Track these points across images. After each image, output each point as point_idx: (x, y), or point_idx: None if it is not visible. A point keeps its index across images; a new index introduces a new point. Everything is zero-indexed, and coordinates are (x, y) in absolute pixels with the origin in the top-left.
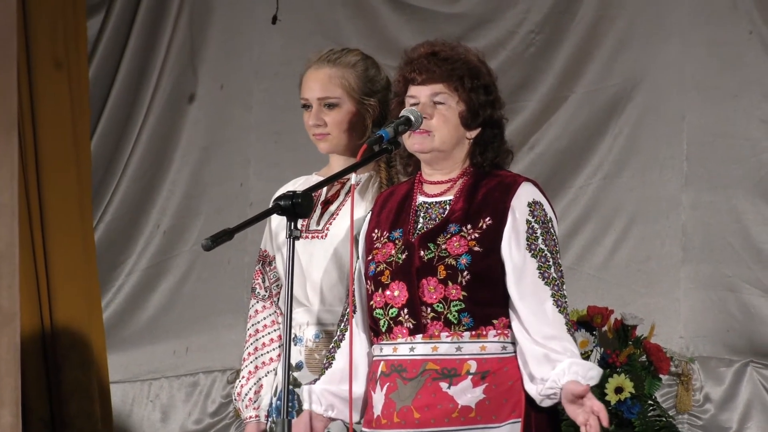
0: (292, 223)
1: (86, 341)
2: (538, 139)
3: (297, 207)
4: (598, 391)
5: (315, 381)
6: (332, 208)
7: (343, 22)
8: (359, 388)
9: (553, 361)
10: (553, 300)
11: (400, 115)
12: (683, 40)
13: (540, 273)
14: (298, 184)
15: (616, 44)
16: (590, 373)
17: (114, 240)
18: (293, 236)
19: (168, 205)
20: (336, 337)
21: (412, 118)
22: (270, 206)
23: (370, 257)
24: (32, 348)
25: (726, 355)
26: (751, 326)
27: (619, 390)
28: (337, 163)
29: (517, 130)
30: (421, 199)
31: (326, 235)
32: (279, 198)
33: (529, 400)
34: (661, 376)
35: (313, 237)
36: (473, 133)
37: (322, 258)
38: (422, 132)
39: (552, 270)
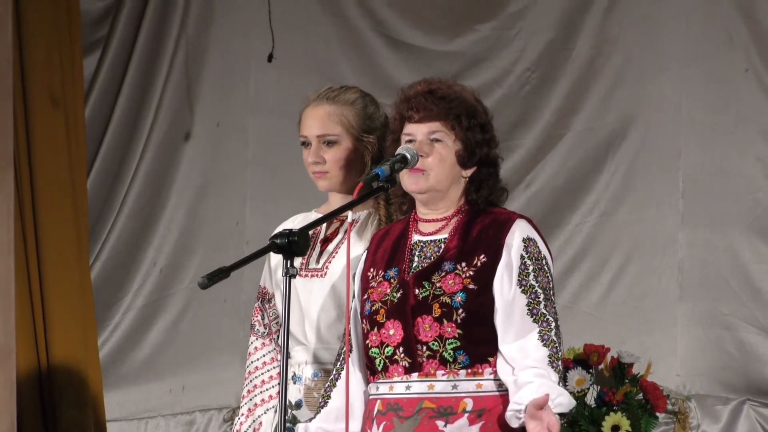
0: (289, 262)
1: (83, 379)
2: (535, 177)
3: (293, 245)
4: (595, 429)
5: (311, 420)
6: (331, 246)
7: (339, 59)
8: (355, 426)
9: (524, 383)
10: (539, 335)
11: (396, 152)
12: (679, 77)
13: (529, 309)
14: (297, 221)
15: (612, 81)
16: (559, 399)
17: (110, 278)
18: (289, 274)
19: (164, 243)
20: (332, 376)
21: (408, 156)
22: (267, 244)
23: (365, 296)
24: (28, 385)
25: (723, 393)
26: (747, 364)
27: (615, 428)
28: (336, 201)
29: (513, 168)
30: (416, 237)
31: (325, 274)
32: (275, 236)
33: None
34: (657, 414)
35: (312, 275)
36: (469, 172)
37: (320, 296)
38: (417, 171)
39: (542, 306)
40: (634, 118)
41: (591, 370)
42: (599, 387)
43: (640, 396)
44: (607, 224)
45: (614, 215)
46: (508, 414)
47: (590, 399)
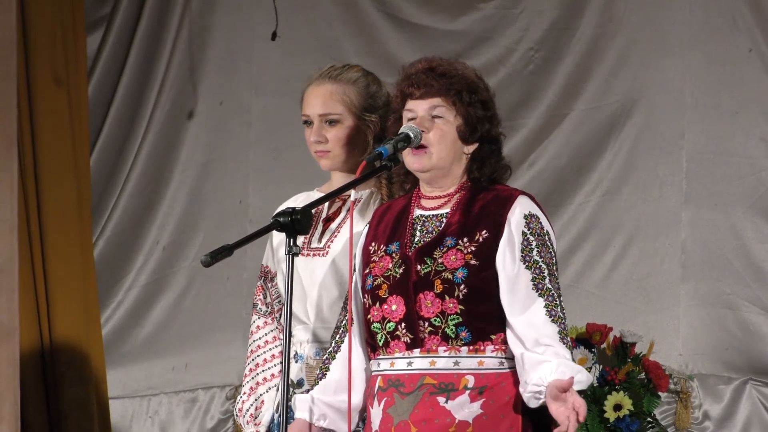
0: (292, 240)
1: (85, 357)
2: (538, 157)
3: (296, 224)
4: (597, 408)
5: (307, 391)
6: (333, 225)
7: (343, 38)
8: (355, 399)
9: (541, 362)
10: (546, 310)
11: (399, 131)
12: (683, 58)
13: (534, 284)
14: (299, 200)
15: (615, 61)
16: (578, 376)
17: (113, 256)
18: (292, 253)
19: (167, 221)
20: (331, 348)
21: (412, 135)
22: (269, 223)
23: (367, 271)
24: (31, 364)
25: (725, 372)
26: (750, 344)
27: (617, 407)
28: (339, 181)
29: (516, 147)
30: (418, 212)
31: (327, 253)
32: (278, 214)
33: (527, 415)
34: (660, 393)
35: (314, 255)
36: (471, 148)
37: (322, 275)
38: (419, 150)
39: (546, 281)
40: (638, 98)
41: (593, 350)
42: (601, 366)
43: (643, 375)
44: (610, 204)
45: (617, 195)
46: (527, 395)
47: (592, 378)
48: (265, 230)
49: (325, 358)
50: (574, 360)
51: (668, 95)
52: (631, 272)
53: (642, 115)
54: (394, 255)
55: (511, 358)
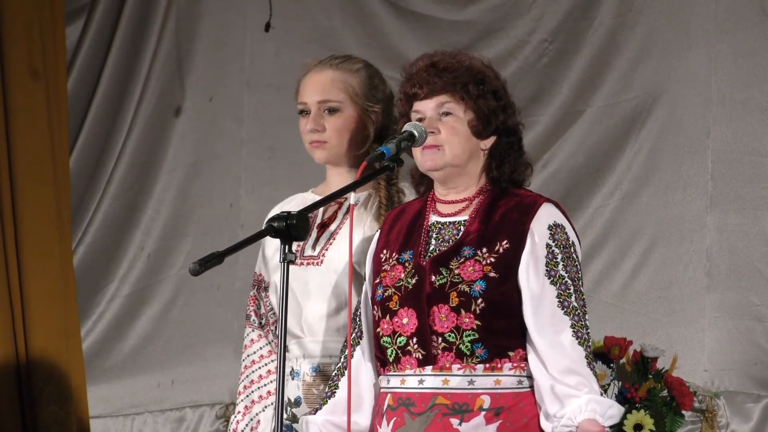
0: (287, 246)
1: (64, 373)
2: (552, 157)
3: (292, 228)
4: (616, 428)
5: (315, 411)
6: (329, 231)
7: (342, 29)
8: (364, 421)
9: (569, 396)
10: (573, 331)
11: (403, 129)
12: (709, 50)
13: (560, 302)
14: (293, 203)
15: (636, 54)
16: (609, 411)
17: (94, 263)
18: (287, 260)
19: (153, 226)
20: (340, 363)
21: (416, 133)
22: (263, 228)
23: (377, 280)
24: (6, 380)
25: (754, 389)
26: None
27: (638, 427)
28: (336, 180)
29: (529, 146)
30: (434, 218)
31: (322, 261)
32: (272, 219)
33: None
34: (683, 412)
35: (308, 263)
36: (487, 143)
37: (317, 286)
38: (432, 147)
39: (573, 299)
40: (660, 93)
41: (612, 365)
42: (621, 383)
43: (665, 393)
44: (629, 207)
45: (637, 198)
46: (557, 430)
47: (611, 395)
48: (259, 236)
49: (333, 374)
50: (596, 378)
51: (692, 90)
52: (653, 281)
53: (664, 112)
54: (407, 264)
55: (530, 376)
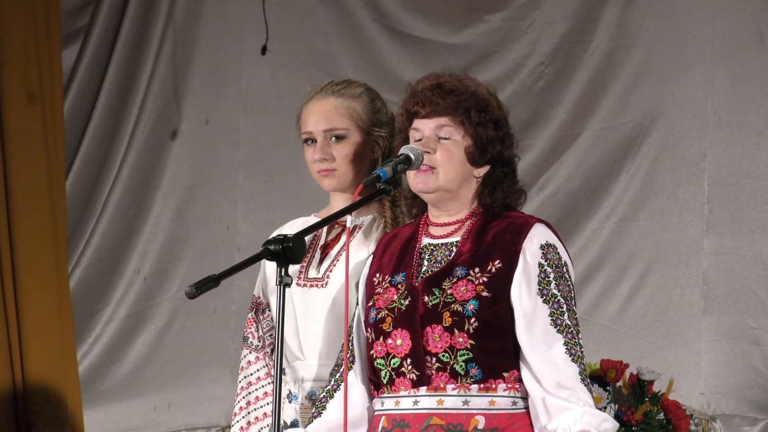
0: (283, 270)
1: (60, 396)
2: (548, 180)
3: (288, 251)
4: None
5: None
6: (332, 253)
7: (338, 52)
8: None
9: (563, 409)
10: (566, 348)
11: (399, 152)
12: (705, 73)
13: (552, 320)
14: (296, 226)
15: (632, 77)
16: (604, 425)
17: (91, 286)
18: (284, 284)
19: (149, 249)
20: (329, 387)
21: (412, 156)
22: (259, 251)
23: (370, 303)
24: (2, 404)
25: (750, 413)
26: None
27: None
28: (340, 205)
29: (525, 169)
30: (426, 240)
31: (326, 284)
32: (269, 242)
33: None
34: None
35: (311, 285)
36: (481, 171)
37: (320, 308)
38: (425, 170)
39: (565, 317)
40: (656, 116)
41: (608, 388)
42: (617, 406)
43: (661, 416)
44: (626, 231)
45: (634, 221)
46: None
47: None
48: (255, 259)
49: (321, 396)
50: (591, 395)
51: (689, 113)
52: (649, 304)
53: (660, 135)
54: (399, 286)
55: (524, 397)
